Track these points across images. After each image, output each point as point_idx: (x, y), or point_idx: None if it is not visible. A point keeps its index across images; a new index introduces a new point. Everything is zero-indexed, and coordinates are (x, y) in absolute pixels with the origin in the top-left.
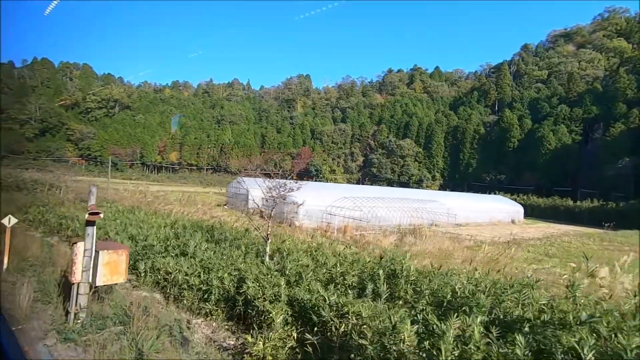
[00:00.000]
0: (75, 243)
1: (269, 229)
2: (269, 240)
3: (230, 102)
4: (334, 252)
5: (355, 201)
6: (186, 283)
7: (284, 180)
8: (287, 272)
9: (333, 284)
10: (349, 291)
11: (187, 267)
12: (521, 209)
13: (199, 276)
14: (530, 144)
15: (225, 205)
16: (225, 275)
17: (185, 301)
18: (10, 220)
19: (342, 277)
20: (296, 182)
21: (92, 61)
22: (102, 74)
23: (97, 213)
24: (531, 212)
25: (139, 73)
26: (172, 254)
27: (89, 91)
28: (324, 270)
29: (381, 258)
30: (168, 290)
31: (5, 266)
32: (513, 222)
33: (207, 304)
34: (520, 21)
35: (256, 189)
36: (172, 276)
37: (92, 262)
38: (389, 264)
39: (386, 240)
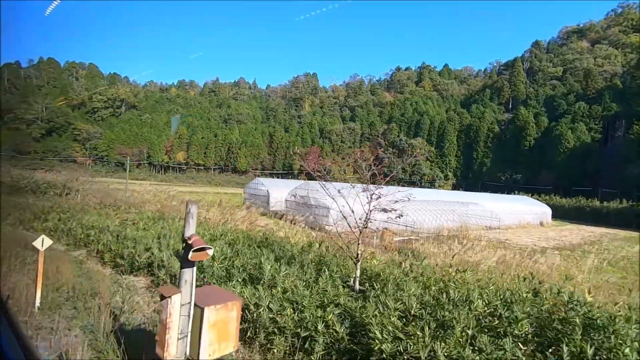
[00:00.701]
0: (169, 297)
1: (359, 248)
2: (360, 262)
3: (237, 101)
4: (433, 273)
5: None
6: (274, 325)
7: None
8: (412, 312)
9: (506, 337)
10: (522, 347)
11: (270, 301)
12: (549, 210)
13: (288, 314)
14: (547, 142)
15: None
16: (330, 316)
17: (275, 350)
18: (43, 242)
19: (502, 322)
20: (382, 188)
21: (94, 61)
22: (108, 74)
23: (204, 248)
24: (555, 213)
25: (142, 73)
26: (239, 280)
27: (95, 91)
28: (465, 311)
29: (536, 293)
30: (247, 333)
31: (37, 302)
32: (541, 224)
33: (310, 357)
34: (528, 18)
35: (276, 190)
36: (253, 315)
37: (190, 322)
38: (567, 303)
39: (436, 250)
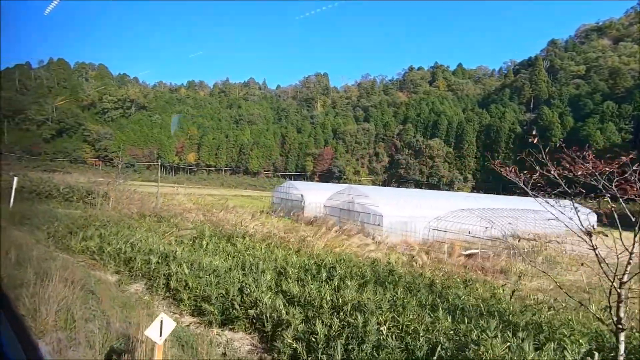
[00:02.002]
0: None
1: (621, 309)
2: (624, 331)
3: (248, 101)
4: None
5: (479, 213)
6: None
7: None
8: None
9: None
10: None
11: None
12: (594, 216)
13: None
14: (573, 143)
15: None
16: None
17: None
18: (163, 328)
19: None
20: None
21: (91, 59)
22: (117, 74)
23: None
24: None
25: (142, 72)
26: None
27: (104, 91)
28: None
29: None
30: None
31: None
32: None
33: None
34: (540, 17)
35: (312, 194)
36: None
37: None
38: None
39: None
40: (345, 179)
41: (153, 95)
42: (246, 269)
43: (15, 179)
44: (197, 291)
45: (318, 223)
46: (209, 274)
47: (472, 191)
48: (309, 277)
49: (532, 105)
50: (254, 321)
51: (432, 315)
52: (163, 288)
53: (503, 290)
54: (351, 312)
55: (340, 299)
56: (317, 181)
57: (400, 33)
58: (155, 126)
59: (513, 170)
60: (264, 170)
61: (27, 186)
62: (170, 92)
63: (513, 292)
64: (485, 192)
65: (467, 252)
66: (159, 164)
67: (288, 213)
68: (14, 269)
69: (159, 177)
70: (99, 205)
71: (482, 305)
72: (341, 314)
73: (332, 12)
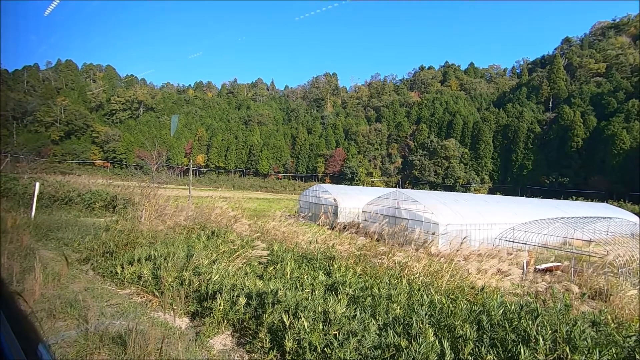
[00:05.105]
0: None
1: None
2: None
3: (256, 102)
4: None
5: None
6: None
7: None
8: None
9: None
10: None
11: None
12: (637, 220)
13: None
14: (597, 143)
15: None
16: None
17: None
18: None
19: None
20: None
21: (92, 60)
22: (125, 76)
23: None
24: None
25: (144, 73)
26: None
27: (112, 93)
28: None
29: None
30: None
31: None
32: (633, 236)
33: None
34: (550, 15)
35: (347, 199)
36: None
37: None
38: None
39: None
40: (357, 181)
41: (161, 96)
42: (377, 316)
43: (37, 184)
44: None
45: (369, 232)
46: (337, 329)
47: (489, 192)
48: (499, 342)
49: (550, 104)
50: None
51: None
52: (271, 350)
53: None
54: None
55: None
56: (329, 182)
57: (409, 32)
58: (163, 127)
59: None
60: (274, 172)
61: (45, 191)
62: (178, 93)
63: None
64: (503, 194)
65: (544, 266)
66: (190, 167)
67: (316, 218)
68: (60, 319)
69: (190, 181)
70: (138, 214)
71: None
72: None
73: (338, 11)
